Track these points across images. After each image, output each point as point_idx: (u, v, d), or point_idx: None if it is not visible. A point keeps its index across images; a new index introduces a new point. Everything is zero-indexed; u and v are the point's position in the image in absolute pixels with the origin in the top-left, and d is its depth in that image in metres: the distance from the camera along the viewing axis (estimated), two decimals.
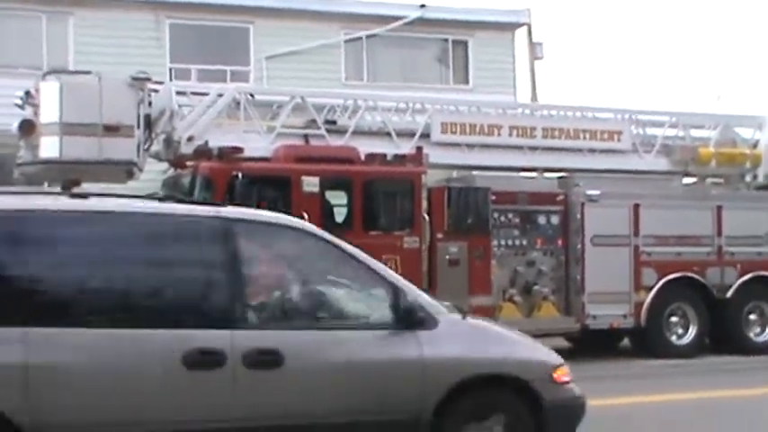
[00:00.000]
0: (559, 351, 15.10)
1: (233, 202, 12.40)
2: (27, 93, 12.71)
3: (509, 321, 13.94)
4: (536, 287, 14.45)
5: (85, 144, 12.39)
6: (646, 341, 15.15)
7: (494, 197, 14.17)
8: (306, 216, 12.69)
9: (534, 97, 25.49)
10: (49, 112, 12.42)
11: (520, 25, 26.27)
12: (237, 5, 23.29)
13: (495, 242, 14.27)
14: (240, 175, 12.50)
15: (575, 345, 16.27)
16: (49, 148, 12.42)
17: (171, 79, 17.69)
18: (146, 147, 13.07)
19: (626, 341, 15.87)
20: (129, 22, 22.31)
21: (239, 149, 12.86)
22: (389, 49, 25.15)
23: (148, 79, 12.79)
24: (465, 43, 25.79)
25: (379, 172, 13.63)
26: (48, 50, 21.95)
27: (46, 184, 13.17)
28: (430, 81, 24.71)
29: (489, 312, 13.90)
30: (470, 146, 14.84)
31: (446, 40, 25.81)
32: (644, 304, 14.86)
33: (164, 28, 23.04)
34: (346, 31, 24.60)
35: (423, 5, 24.94)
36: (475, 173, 14.62)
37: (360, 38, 24.66)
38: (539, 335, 14.64)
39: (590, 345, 15.79)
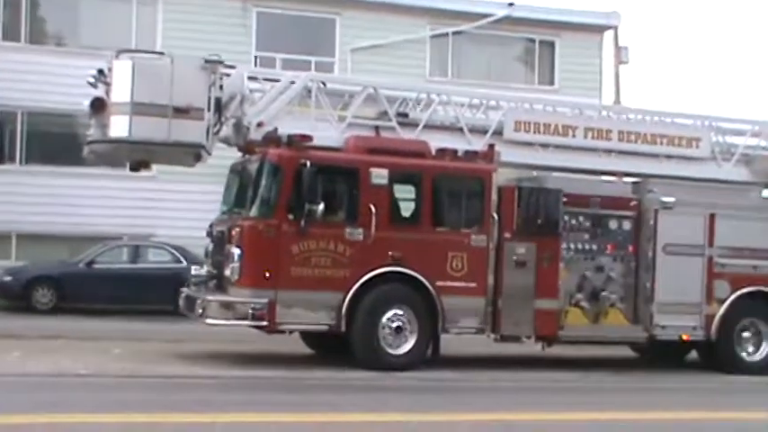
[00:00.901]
0: (625, 360, 15.12)
1: (300, 190, 12.34)
2: (100, 71, 12.63)
3: (575, 327, 13.77)
4: (604, 293, 14.03)
5: (155, 125, 12.28)
6: (715, 355, 14.67)
7: (565, 199, 13.78)
8: (373, 209, 12.58)
9: (618, 101, 25.13)
10: (120, 91, 12.33)
11: (608, 28, 26.12)
12: None
13: (564, 245, 13.89)
14: (308, 163, 12.32)
15: (641, 355, 15.88)
16: (118, 127, 12.34)
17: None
18: (215, 131, 12.92)
19: (693, 354, 15.39)
20: (217, 9, 22.97)
21: (308, 137, 12.66)
22: (475, 46, 25.37)
23: (221, 62, 12.64)
24: (552, 44, 25.72)
25: (449, 167, 13.34)
26: (137, 35, 22.70)
27: None
28: (515, 80, 24.89)
29: (555, 317, 13.62)
30: (544, 146, 14.47)
31: (533, 40, 25.91)
32: (715, 317, 14.39)
33: (251, 16, 23.70)
34: (432, 26, 24.93)
35: (511, 4, 24.92)
36: (547, 173, 14.26)
37: (446, 34, 24.94)
38: (604, 342, 14.62)
39: (656, 356, 15.37)
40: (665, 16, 52.10)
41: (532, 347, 14.50)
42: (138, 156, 12.85)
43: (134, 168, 13.31)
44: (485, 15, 24.65)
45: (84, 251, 21.24)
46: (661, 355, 15.40)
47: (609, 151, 14.77)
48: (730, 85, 49.08)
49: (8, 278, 20.85)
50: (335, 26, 24.35)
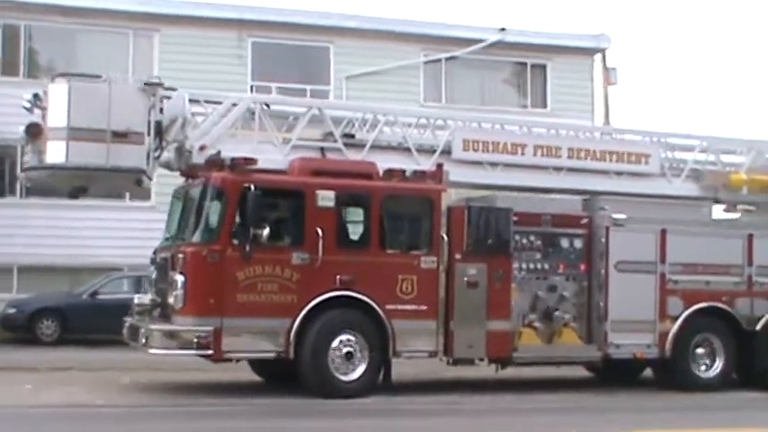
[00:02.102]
0: (580, 381, 14.92)
1: (244, 214, 12.03)
2: (35, 95, 12.28)
3: (528, 348, 13.55)
4: (557, 313, 13.83)
5: (93, 150, 11.95)
6: (670, 373, 14.51)
7: (516, 218, 13.59)
8: (320, 232, 12.30)
9: (608, 122, 25.45)
10: (56, 115, 12.00)
11: (598, 50, 26.73)
12: (319, 25, 24.27)
13: (516, 265, 13.68)
14: (252, 186, 12.02)
15: (596, 375, 15.71)
16: (55, 153, 11.99)
17: None
18: (156, 155, 12.59)
19: (647, 372, 15.25)
20: (213, 40, 23.37)
21: (252, 160, 12.37)
22: (468, 71, 25.81)
23: (160, 85, 12.34)
24: (543, 67, 26.23)
25: (397, 188, 13.11)
26: (134, 66, 22.73)
27: None
28: (508, 104, 25.45)
29: (508, 338, 13.40)
30: (493, 164, 14.29)
31: (524, 64, 26.34)
32: (669, 334, 14.24)
33: (246, 46, 24.07)
34: (426, 52, 25.38)
35: (503, 29, 25.46)
36: (497, 193, 14.08)
37: (439, 60, 25.34)
38: (559, 362, 14.42)
39: (611, 375, 15.20)
40: (652, 37, 52.65)
41: (486, 370, 14.23)
42: (76, 182, 12.48)
43: (73, 195, 12.92)
44: (477, 41, 25.06)
45: (84, 282, 21.21)
46: (615, 374, 15.23)
47: (558, 168, 14.64)
48: (720, 103, 49.68)
49: (12, 310, 20.85)
50: (330, 54, 24.77)
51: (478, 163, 14.22)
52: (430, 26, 25.33)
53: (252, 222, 12.01)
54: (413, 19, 25.58)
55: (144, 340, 12.15)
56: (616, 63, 33.47)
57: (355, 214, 13.06)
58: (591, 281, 14.11)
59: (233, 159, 12.31)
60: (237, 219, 12.15)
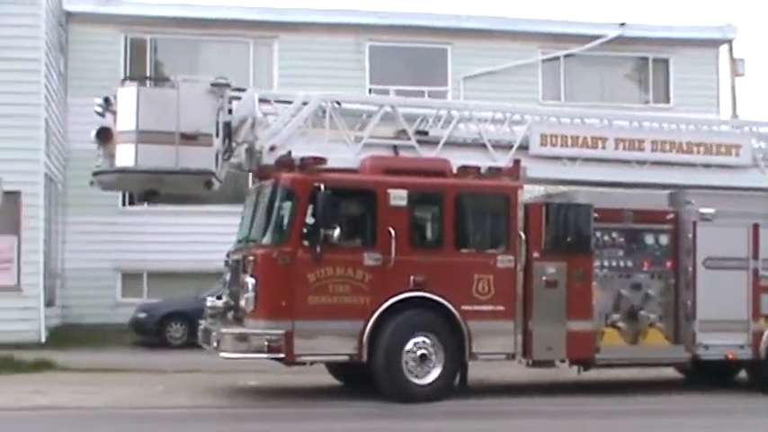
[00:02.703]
0: (671, 383, 14.31)
1: (315, 215, 11.82)
2: (106, 99, 12.29)
3: (611, 349, 13.02)
4: (642, 312, 13.28)
5: (162, 153, 11.90)
6: (765, 375, 13.80)
7: (596, 214, 13.07)
8: (392, 232, 12.01)
9: (735, 114, 24.93)
10: (125, 119, 11.98)
11: (723, 42, 26.12)
12: (436, 27, 24.46)
13: (597, 263, 13.18)
14: (322, 186, 11.78)
15: (687, 376, 15.06)
16: (125, 156, 11.98)
17: None
18: (225, 156, 12.48)
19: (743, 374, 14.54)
20: (331, 45, 23.81)
21: (322, 160, 12.14)
22: (587, 68, 25.60)
23: (227, 86, 12.21)
24: (666, 61, 25.97)
25: (471, 185, 12.73)
26: (254, 74, 23.28)
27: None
28: (629, 100, 25.19)
29: (590, 338, 12.90)
30: (572, 159, 13.81)
31: (646, 59, 26.04)
32: (764, 334, 13.54)
33: (364, 50, 24.42)
34: (544, 50, 25.23)
35: (622, 24, 25.17)
36: (577, 188, 13.56)
37: (557, 57, 25.16)
38: (644, 364, 13.83)
39: (704, 377, 14.55)
40: None
41: (568, 372, 13.73)
42: (147, 185, 12.45)
43: (144, 198, 12.93)
44: (596, 37, 24.75)
45: (210, 287, 21.30)
46: (708, 377, 14.57)
47: (642, 162, 14.05)
48: None
49: (143, 315, 21.41)
50: (447, 56, 24.90)
51: (557, 158, 13.76)
52: (547, 24, 25.17)
53: (322, 223, 11.78)
54: (530, 17, 25.46)
55: (216, 344, 12.03)
56: (743, 54, 32.40)
57: (428, 213, 12.72)
58: (678, 278, 13.52)
59: (302, 159, 12.09)
60: (308, 219, 11.96)
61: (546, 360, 12.89)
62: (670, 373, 14.83)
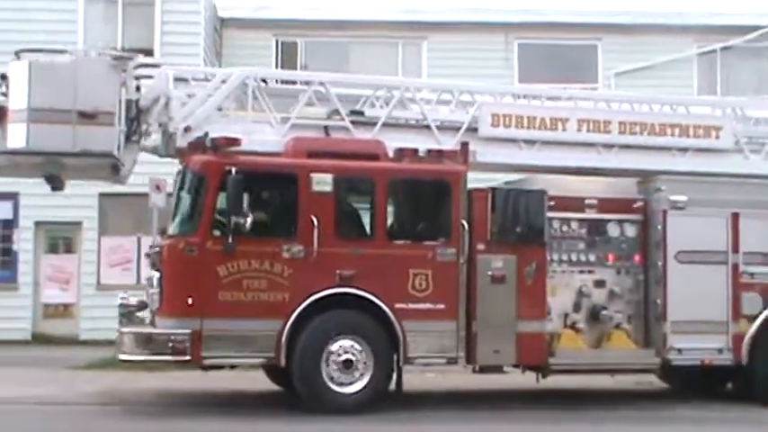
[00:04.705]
0: (655, 394, 12.89)
1: (227, 200, 10.60)
2: (3, 76, 11.15)
3: (569, 353, 11.64)
4: (605, 312, 11.86)
5: (57, 132, 10.71)
6: (749, 383, 12.33)
7: (552, 202, 11.71)
8: (315, 221, 10.75)
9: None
10: (17, 96, 10.81)
11: None
12: (585, 23, 23.81)
13: (554, 256, 11.82)
14: (234, 170, 10.54)
15: (673, 385, 13.64)
16: (15, 136, 10.81)
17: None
18: (134, 138, 11.29)
19: None
20: (480, 44, 23.41)
21: (236, 141, 10.88)
22: (745, 61, 24.46)
23: (129, 59, 11.02)
24: None
25: (406, 170, 11.40)
26: (403, 75, 22.62)
27: None
28: None
29: (543, 341, 11.50)
30: (529, 142, 12.44)
31: None
32: (745, 337, 12.06)
33: (513, 48, 23.98)
34: (699, 43, 24.21)
35: None
36: (534, 175, 12.17)
37: (713, 50, 24.16)
38: (608, 370, 12.40)
39: (691, 385, 13.15)
40: None
41: (523, 379, 12.35)
42: (46, 169, 11.24)
43: (52, 186, 11.69)
44: (754, 28, 23.56)
45: None
46: (696, 385, 13.15)
47: (609, 146, 12.65)
48: None
49: None
50: (597, 52, 24.22)
51: (511, 140, 12.38)
52: (702, 16, 24.00)
53: (233, 210, 10.51)
54: (683, 10, 24.18)
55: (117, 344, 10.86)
56: None
57: (357, 200, 11.42)
58: (647, 274, 12.09)
59: (213, 140, 10.84)
60: (218, 207, 10.73)
61: (493, 365, 11.51)
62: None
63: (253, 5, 23.79)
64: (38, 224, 20.59)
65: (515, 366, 11.81)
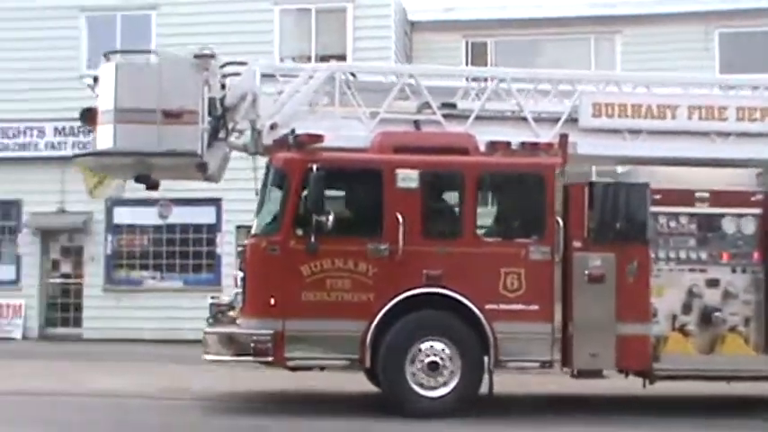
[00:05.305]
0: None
1: (309, 198, 10.37)
2: (95, 78, 11.29)
3: (677, 358, 10.84)
4: (718, 314, 10.98)
5: (142, 133, 10.73)
6: None
7: (658, 196, 10.94)
8: (400, 218, 10.38)
9: None
10: (105, 98, 10.91)
11: None
12: None
13: (662, 254, 11.03)
14: (315, 167, 10.30)
15: None
16: (104, 137, 10.91)
17: None
18: (221, 135, 11.21)
19: None
20: (677, 36, 22.95)
21: (319, 137, 10.64)
22: None
23: (212, 56, 10.91)
24: None
25: (497, 164, 10.86)
26: (596, 70, 22.06)
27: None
28: None
29: (645, 345, 10.74)
30: (634, 132, 11.66)
31: None
32: None
33: (713, 38, 23.36)
34: None
35: None
36: (639, 167, 11.38)
37: None
38: (720, 377, 11.48)
39: None
40: None
41: (630, 384, 11.60)
42: (136, 169, 11.30)
43: (146, 185, 11.72)
44: None
45: None
46: None
47: (724, 134, 11.72)
48: None
49: None
50: None
51: (615, 131, 11.63)
52: None
53: (315, 208, 10.29)
54: None
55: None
56: None
57: (445, 196, 11.00)
58: (767, 273, 11.15)
59: (296, 137, 10.65)
60: (301, 205, 10.50)
61: (591, 369, 10.84)
62: None
63: (442, 7, 24.03)
64: (239, 228, 20.66)
65: (620, 371, 11.10)
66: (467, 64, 23.15)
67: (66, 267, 22.80)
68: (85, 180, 20.45)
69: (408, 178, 10.55)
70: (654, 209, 10.95)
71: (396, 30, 22.03)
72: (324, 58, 20.00)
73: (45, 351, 18.99)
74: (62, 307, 22.62)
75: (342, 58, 20.71)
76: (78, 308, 22.30)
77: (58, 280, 22.69)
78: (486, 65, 22.67)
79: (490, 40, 23.86)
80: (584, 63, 22.81)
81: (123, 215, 22.21)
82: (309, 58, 20.90)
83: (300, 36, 22.16)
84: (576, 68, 18.87)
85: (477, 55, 23.65)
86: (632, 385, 11.51)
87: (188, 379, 13.42)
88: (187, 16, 21.76)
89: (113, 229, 22.32)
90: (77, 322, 22.21)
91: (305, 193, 10.38)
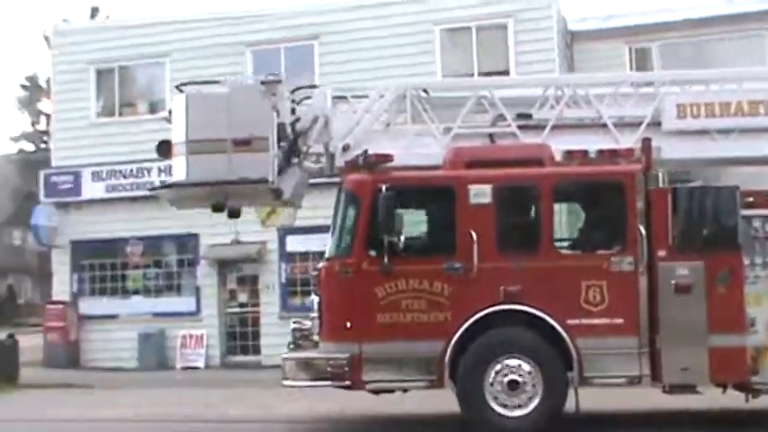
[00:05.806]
0: None
1: (379, 219, 10.23)
2: (170, 111, 11.45)
3: None
4: None
5: (214, 162, 10.79)
6: None
7: (750, 198, 10.33)
8: (474, 235, 10.13)
9: None
10: (177, 129, 11.04)
11: None
12: None
13: (758, 260, 10.38)
14: (384, 187, 10.15)
15: None
16: (178, 169, 11.04)
17: None
18: (295, 161, 11.20)
19: None
20: None
21: (388, 157, 10.49)
22: None
23: (279, 82, 10.91)
24: None
25: (573, 173, 10.50)
26: None
27: None
28: None
29: (741, 357, 10.13)
30: (723, 132, 11.07)
31: None
32: None
33: None
34: None
35: None
36: (720, 168, 10.83)
37: None
38: None
39: None
40: None
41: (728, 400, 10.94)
42: (210, 199, 11.38)
43: (228, 214, 11.79)
44: None
45: None
46: None
47: None
48: None
49: None
50: None
51: (702, 132, 11.07)
52: None
53: (386, 229, 10.14)
54: None
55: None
56: None
57: (520, 210, 10.65)
58: None
59: (366, 158, 10.54)
60: (373, 226, 10.36)
61: (683, 384, 10.28)
62: None
63: (602, 15, 23.57)
64: None
65: (717, 386, 10.50)
66: (631, 70, 22.17)
67: (242, 297, 22.98)
68: (257, 210, 20.47)
69: (481, 193, 10.29)
70: (746, 212, 10.35)
71: (558, 41, 21.51)
72: (487, 75, 20.05)
73: (229, 378, 19.07)
74: (241, 335, 22.79)
75: (504, 73, 20.49)
76: (256, 336, 22.39)
77: (236, 309, 22.88)
78: (651, 70, 21.66)
79: (654, 44, 22.91)
80: (756, 61, 21.05)
81: (295, 243, 22.04)
82: (472, 76, 20.46)
83: (462, 54, 21.80)
84: (747, 66, 17.39)
85: (642, 60, 22.84)
86: (733, 401, 10.86)
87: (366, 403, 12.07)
88: (348, 43, 21.79)
89: (286, 257, 22.33)
90: (256, 350, 22.22)
91: (376, 213, 10.25)
